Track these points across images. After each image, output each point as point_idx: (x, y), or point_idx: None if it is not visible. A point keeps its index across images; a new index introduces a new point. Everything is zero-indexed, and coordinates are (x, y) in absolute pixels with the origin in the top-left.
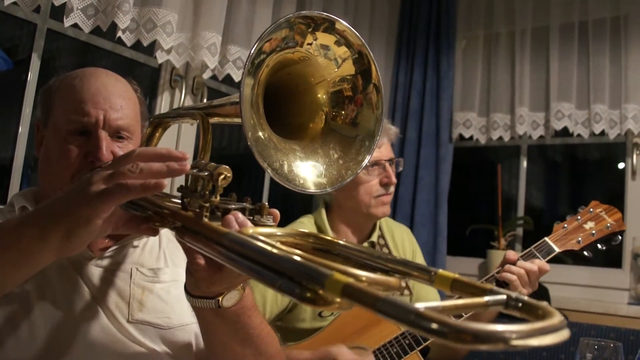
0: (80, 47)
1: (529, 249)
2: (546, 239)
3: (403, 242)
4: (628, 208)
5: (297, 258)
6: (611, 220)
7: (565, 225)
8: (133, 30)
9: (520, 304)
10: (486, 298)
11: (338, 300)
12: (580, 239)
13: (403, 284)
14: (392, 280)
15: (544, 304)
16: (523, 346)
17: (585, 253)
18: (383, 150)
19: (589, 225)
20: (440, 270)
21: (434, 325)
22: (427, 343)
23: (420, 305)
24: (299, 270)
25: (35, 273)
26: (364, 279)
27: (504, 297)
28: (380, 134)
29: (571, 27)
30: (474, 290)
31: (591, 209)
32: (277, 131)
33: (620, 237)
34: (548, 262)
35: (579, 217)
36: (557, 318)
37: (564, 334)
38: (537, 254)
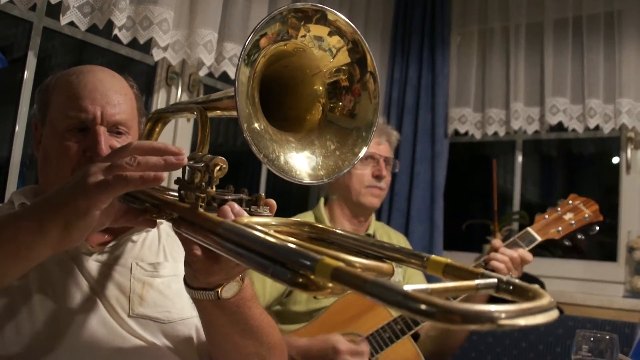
0: (76, 45)
1: (512, 238)
2: (528, 228)
3: (399, 244)
4: (622, 202)
5: (290, 245)
6: (589, 212)
7: (546, 216)
8: (129, 28)
9: (511, 287)
10: (476, 281)
11: (330, 285)
12: (560, 228)
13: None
14: (384, 265)
15: (535, 286)
16: (511, 326)
17: (565, 242)
18: (382, 148)
19: (568, 216)
20: (433, 256)
21: (423, 306)
22: (417, 328)
23: (408, 287)
24: (290, 256)
25: (35, 267)
26: (357, 265)
27: (495, 280)
28: (376, 124)
29: (565, 22)
30: (465, 275)
31: (570, 201)
32: (274, 124)
33: (597, 228)
34: (541, 255)
35: (558, 209)
36: (546, 299)
37: (552, 314)
38: (521, 243)
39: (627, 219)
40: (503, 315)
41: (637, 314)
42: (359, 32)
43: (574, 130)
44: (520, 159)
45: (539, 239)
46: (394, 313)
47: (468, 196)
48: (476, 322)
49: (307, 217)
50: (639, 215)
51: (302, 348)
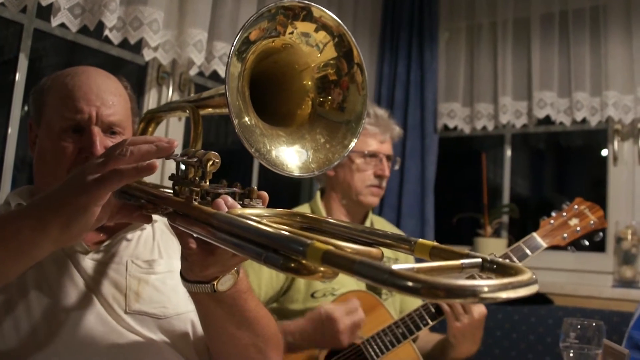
0: (67, 46)
1: (517, 244)
2: (534, 234)
3: None
4: (610, 193)
5: (282, 232)
6: (594, 218)
7: (552, 222)
8: (120, 29)
9: (495, 266)
10: (462, 261)
11: (321, 269)
12: (566, 235)
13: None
14: (373, 250)
15: (517, 264)
16: (493, 299)
17: (568, 248)
18: (385, 146)
19: (574, 221)
20: (420, 240)
21: (409, 283)
22: (419, 332)
23: (395, 266)
24: (281, 242)
25: (34, 265)
26: (347, 249)
27: (479, 260)
28: (381, 117)
29: (552, 17)
30: (451, 256)
31: (575, 206)
32: (265, 119)
33: (601, 234)
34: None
35: (564, 214)
36: (527, 275)
37: (532, 288)
38: (526, 249)
39: (615, 210)
40: (485, 289)
41: (626, 303)
42: (343, 25)
43: (561, 123)
44: (509, 152)
45: (545, 245)
46: (395, 316)
47: (458, 190)
48: (459, 295)
49: (304, 210)
50: (626, 206)
51: (297, 330)
